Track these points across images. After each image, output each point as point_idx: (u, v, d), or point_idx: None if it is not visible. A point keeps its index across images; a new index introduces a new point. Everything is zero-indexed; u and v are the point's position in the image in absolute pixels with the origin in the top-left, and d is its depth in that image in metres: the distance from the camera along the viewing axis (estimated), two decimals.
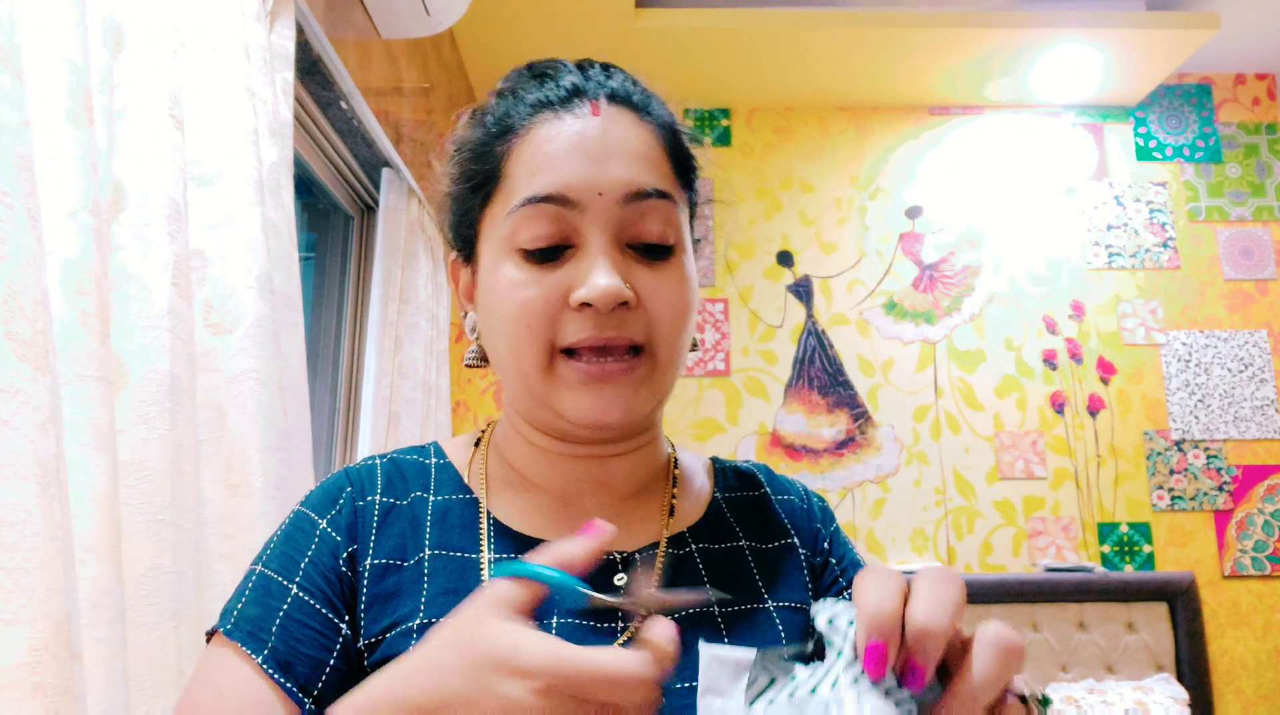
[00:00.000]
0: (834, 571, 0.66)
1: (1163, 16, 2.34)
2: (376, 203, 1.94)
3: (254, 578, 0.57)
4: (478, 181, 0.59)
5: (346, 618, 0.56)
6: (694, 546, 0.63)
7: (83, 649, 0.68)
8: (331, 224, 2.00)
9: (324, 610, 0.55)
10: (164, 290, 0.87)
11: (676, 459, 0.69)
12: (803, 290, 2.63)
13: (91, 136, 0.75)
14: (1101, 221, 2.66)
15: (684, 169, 0.61)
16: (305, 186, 1.84)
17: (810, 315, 2.61)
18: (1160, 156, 2.70)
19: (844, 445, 2.52)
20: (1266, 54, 2.63)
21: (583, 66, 0.61)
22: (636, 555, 0.60)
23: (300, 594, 0.55)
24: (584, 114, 0.57)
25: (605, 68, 0.61)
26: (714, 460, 0.72)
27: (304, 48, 1.43)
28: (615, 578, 0.59)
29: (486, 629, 0.38)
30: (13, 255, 0.60)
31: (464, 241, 0.63)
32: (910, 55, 2.45)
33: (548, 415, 0.59)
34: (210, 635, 0.56)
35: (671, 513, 0.64)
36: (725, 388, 2.56)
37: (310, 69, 1.50)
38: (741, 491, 0.69)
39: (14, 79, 0.62)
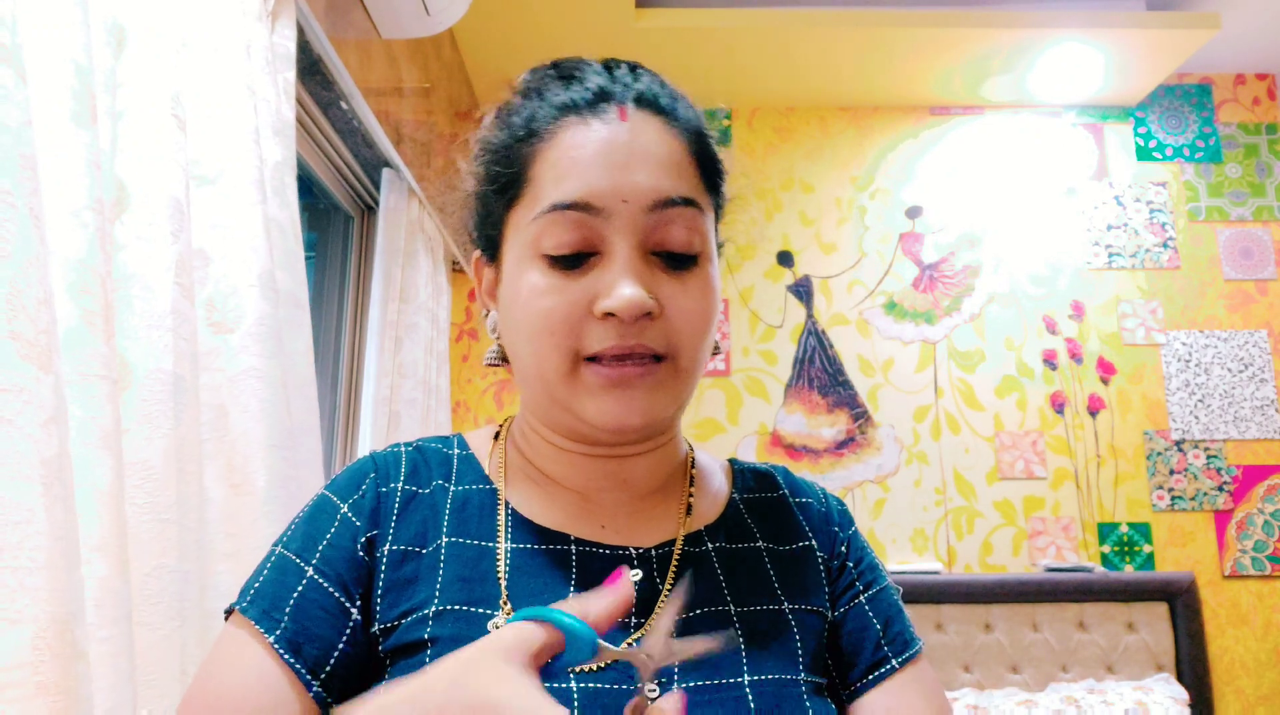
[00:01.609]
0: (851, 575, 0.66)
1: (1163, 16, 2.33)
2: (377, 203, 1.94)
3: (273, 558, 0.58)
4: (503, 184, 0.59)
5: (358, 603, 0.56)
6: (710, 545, 0.63)
7: (89, 648, 0.69)
8: (331, 224, 2.00)
9: (336, 594, 0.56)
10: (167, 290, 0.86)
11: (694, 459, 0.69)
12: (803, 290, 2.63)
13: (95, 136, 0.75)
14: (1101, 221, 2.66)
15: (710, 174, 0.61)
16: (305, 186, 1.84)
17: (810, 315, 2.61)
18: (1160, 156, 2.70)
19: (844, 445, 2.52)
20: (1266, 54, 2.63)
21: (610, 67, 0.60)
22: (653, 551, 0.60)
23: (315, 576, 0.56)
24: (611, 119, 0.56)
25: (633, 68, 0.60)
26: (732, 462, 0.72)
27: (304, 48, 1.43)
28: (631, 574, 0.59)
29: (484, 674, 0.38)
30: (15, 255, 0.60)
31: (488, 241, 0.62)
32: (910, 55, 2.45)
33: (568, 419, 0.59)
34: (229, 613, 0.57)
35: (689, 512, 0.64)
36: (725, 388, 2.56)
37: (311, 69, 1.50)
38: (760, 493, 0.69)
39: (16, 77, 0.61)
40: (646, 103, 0.58)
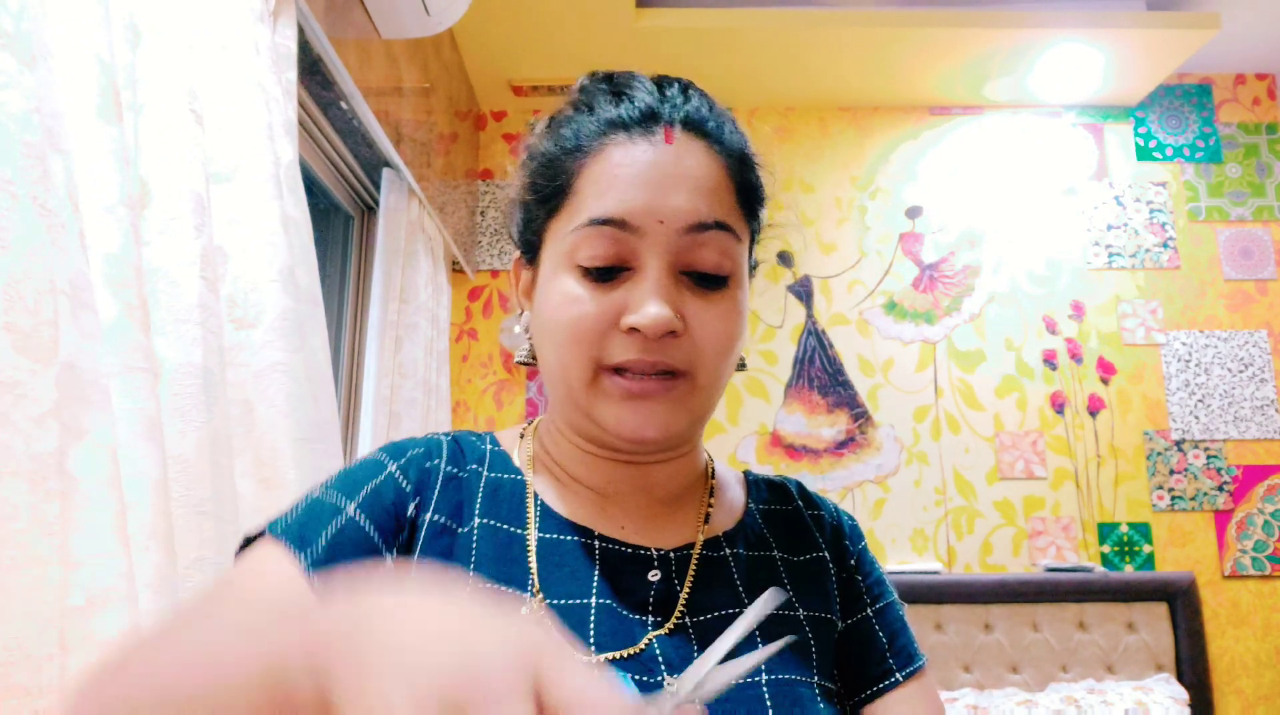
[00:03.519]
0: (859, 588, 0.68)
1: (1163, 16, 2.33)
2: (376, 203, 1.95)
3: (309, 498, 0.58)
4: (546, 194, 0.61)
5: (394, 555, 0.57)
6: (728, 551, 0.64)
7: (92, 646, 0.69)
8: (331, 224, 2.00)
9: (375, 536, 0.56)
10: (193, 284, 0.87)
11: (714, 469, 0.71)
12: (803, 290, 2.63)
13: (121, 131, 0.76)
14: (1101, 221, 2.66)
15: (749, 199, 0.62)
16: (305, 186, 1.84)
17: (810, 315, 2.61)
18: (1160, 156, 2.70)
19: (844, 445, 2.52)
20: (1266, 54, 2.63)
21: (661, 85, 0.61)
22: (671, 554, 0.62)
23: (356, 514, 0.56)
24: (657, 140, 0.58)
25: (684, 88, 0.62)
26: (747, 473, 0.74)
27: (304, 48, 1.43)
28: (649, 574, 0.60)
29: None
30: (14, 245, 0.59)
31: (528, 245, 0.64)
32: (910, 55, 2.45)
33: (589, 425, 0.60)
34: (245, 544, 0.56)
35: (707, 520, 0.66)
36: (725, 388, 2.56)
37: (311, 69, 1.50)
38: (774, 505, 0.71)
39: (19, 64, 0.61)
40: (693, 125, 0.59)
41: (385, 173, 1.91)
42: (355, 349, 1.97)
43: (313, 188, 1.85)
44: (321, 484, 0.60)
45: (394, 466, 0.61)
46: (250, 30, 1.08)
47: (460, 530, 0.59)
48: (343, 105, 1.62)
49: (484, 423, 2.55)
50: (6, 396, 0.58)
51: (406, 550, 0.57)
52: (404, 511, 0.58)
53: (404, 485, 0.60)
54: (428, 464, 0.62)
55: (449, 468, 0.63)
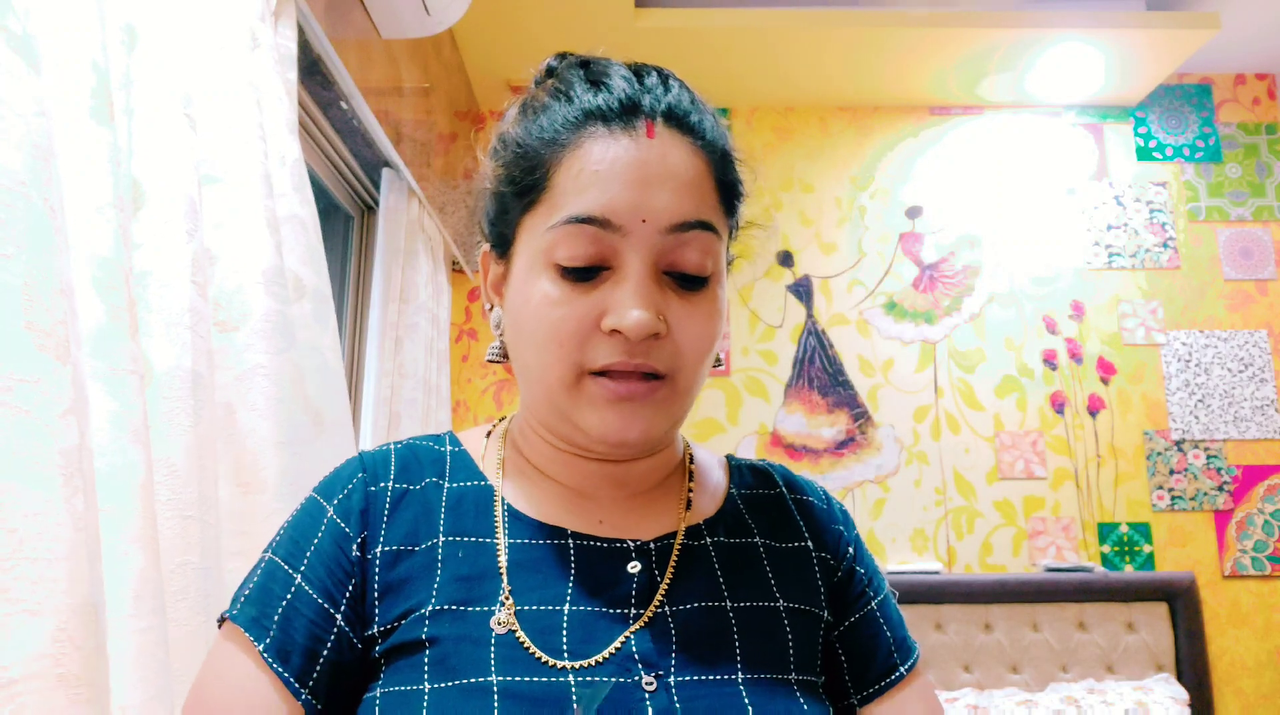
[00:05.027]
0: (862, 581, 0.67)
1: (1163, 16, 2.34)
2: (376, 203, 1.94)
3: (263, 564, 0.58)
4: (522, 187, 0.58)
5: (344, 609, 0.56)
6: (709, 539, 0.63)
7: (130, 639, 0.69)
8: (331, 224, 2.00)
9: (322, 601, 0.56)
10: (184, 288, 0.86)
11: (692, 455, 0.69)
12: (803, 290, 2.63)
13: (115, 134, 0.76)
14: (1102, 222, 2.66)
15: (729, 196, 0.61)
16: None
17: (810, 315, 2.61)
18: (1160, 156, 2.70)
19: (844, 445, 2.52)
20: (1266, 54, 2.63)
21: (640, 74, 0.59)
22: (651, 545, 0.60)
23: (303, 583, 0.56)
24: (638, 135, 0.55)
25: (663, 78, 0.59)
26: (729, 458, 0.72)
27: (304, 48, 1.43)
28: (629, 566, 0.59)
29: None
30: (31, 246, 0.59)
31: (499, 237, 0.62)
32: (910, 55, 2.45)
33: (567, 427, 0.59)
34: (222, 620, 0.57)
35: (688, 507, 0.64)
36: (725, 388, 2.56)
37: (310, 69, 1.50)
38: (757, 490, 0.69)
39: (28, 67, 0.61)
40: (675, 119, 0.57)
41: (385, 173, 1.91)
42: (355, 349, 1.97)
43: (313, 187, 1.85)
44: (276, 541, 0.59)
45: (332, 510, 0.59)
46: (250, 30, 1.08)
47: (418, 549, 0.58)
48: (343, 105, 1.62)
49: (483, 423, 2.55)
50: (33, 394, 0.59)
51: (361, 593, 0.57)
52: (349, 559, 0.57)
53: (344, 527, 0.58)
54: (372, 488, 0.60)
55: (399, 485, 0.61)
